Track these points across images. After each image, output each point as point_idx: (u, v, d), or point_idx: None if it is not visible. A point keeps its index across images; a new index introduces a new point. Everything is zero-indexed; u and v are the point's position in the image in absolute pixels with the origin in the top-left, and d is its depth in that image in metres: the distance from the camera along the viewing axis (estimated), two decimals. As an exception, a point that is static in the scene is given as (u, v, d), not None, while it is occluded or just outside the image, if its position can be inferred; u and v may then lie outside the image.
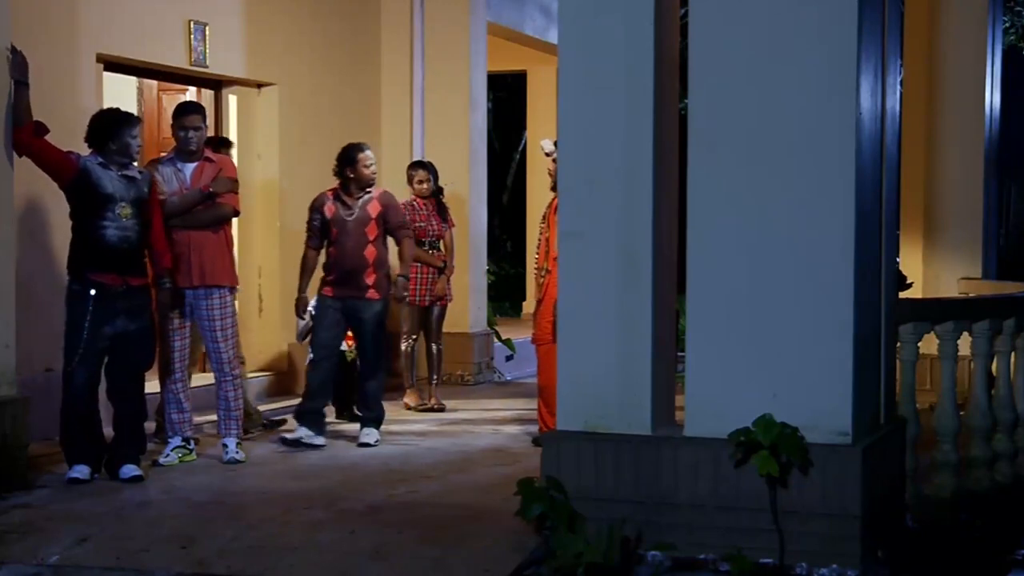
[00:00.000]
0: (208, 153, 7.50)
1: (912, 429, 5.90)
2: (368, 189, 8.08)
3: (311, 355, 8.18)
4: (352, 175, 8.03)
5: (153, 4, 8.62)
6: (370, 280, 7.95)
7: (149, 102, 10.81)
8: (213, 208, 7.34)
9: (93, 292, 6.58)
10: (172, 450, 7.26)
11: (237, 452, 7.37)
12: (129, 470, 6.74)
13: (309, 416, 7.90)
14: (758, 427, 4.71)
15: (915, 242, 10.58)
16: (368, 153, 8.11)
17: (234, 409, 7.47)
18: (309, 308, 8.26)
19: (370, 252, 7.97)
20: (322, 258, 8.15)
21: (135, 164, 6.87)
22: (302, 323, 8.35)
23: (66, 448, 6.71)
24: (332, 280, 7.99)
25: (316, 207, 8.11)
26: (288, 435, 7.85)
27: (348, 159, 8.06)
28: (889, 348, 5.54)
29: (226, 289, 7.39)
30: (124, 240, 6.64)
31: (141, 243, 6.78)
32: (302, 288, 8.12)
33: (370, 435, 7.94)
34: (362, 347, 8.15)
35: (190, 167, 7.34)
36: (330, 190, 8.12)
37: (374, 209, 8.04)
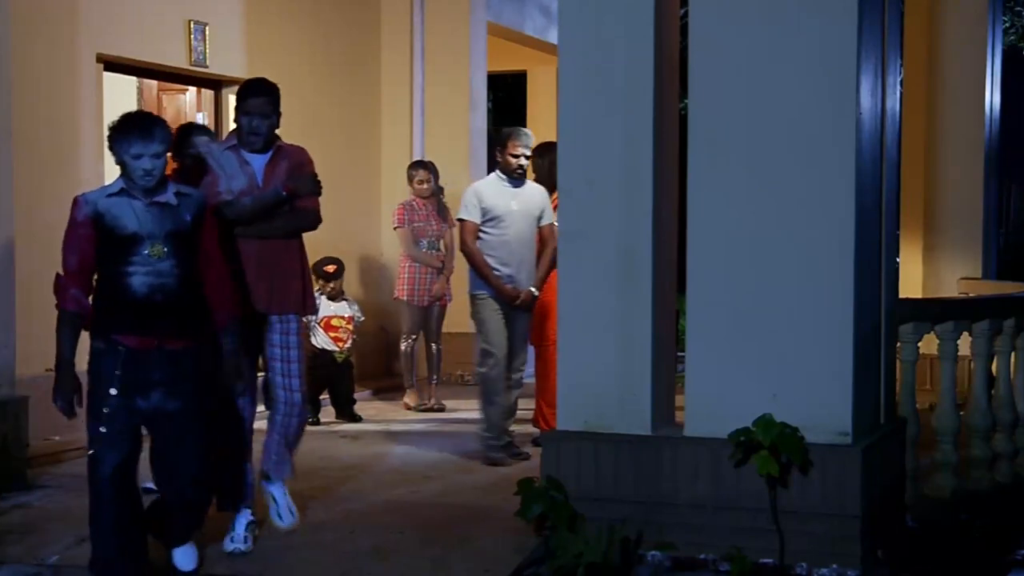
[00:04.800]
0: (280, 142, 5.79)
1: (912, 429, 5.89)
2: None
3: None
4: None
5: (153, 4, 8.61)
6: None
7: (149, 102, 10.80)
8: (292, 215, 5.61)
9: (121, 352, 4.85)
10: (246, 528, 5.54)
11: (292, 512, 5.73)
12: (184, 558, 5.11)
13: None
14: (758, 427, 4.72)
15: (915, 242, 10.58)
16: (201, 139, 6.33)
17: (287, 455, 5.75)
18: None
19: None
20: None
21: (169, 186, 5.00)
22: None
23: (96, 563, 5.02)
24: None
25: None
26: None
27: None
28: (889, 348, 5.54)
29: (297, 316, 5.73)
30: (157, 289, 4.86)
31: (184, 290, 4.94)
32: None
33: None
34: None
35: (260, 159, 5.66)
36: None
37: None
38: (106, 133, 4.99)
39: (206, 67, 9.09)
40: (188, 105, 10.61)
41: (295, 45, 9.99)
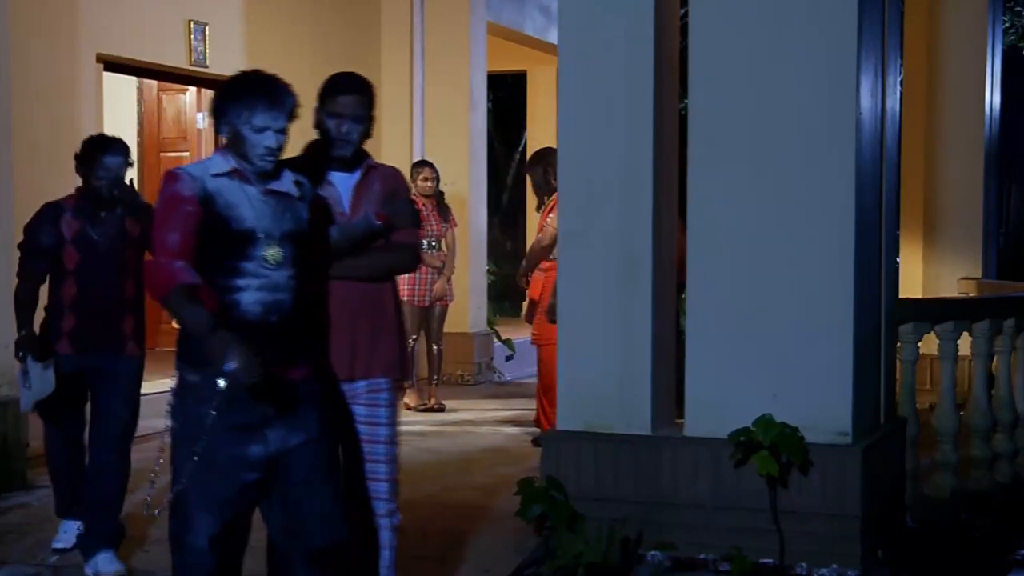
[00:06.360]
0: (371, 160, 4.42)
1: (912, 429, 5.89)
2: None
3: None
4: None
5: (153, 4, 8.62)
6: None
7: (149, 102, 10.82)
8: (385, 252, 4.34)
9: (223, 386, 3.52)
10: None
11: None
12: None
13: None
14: (758, 427, 4.71)
15: (915, 242, 10.59)
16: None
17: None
18: None
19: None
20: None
21: (285, 173, 3.88)
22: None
23: None
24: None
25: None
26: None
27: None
28: (889, 348, 5.53)
29: (390, 380, 4.37)
30: (273, 308, 3.74)
31: (301, 306, 3.83)
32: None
33: None
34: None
35: (347, 180, 4.33)
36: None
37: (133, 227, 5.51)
38: (214, 94, 3.86)
39: (206, 67, 9.09)
40: (188, 105, 10.63)
41: (295, 45, 9.99)
